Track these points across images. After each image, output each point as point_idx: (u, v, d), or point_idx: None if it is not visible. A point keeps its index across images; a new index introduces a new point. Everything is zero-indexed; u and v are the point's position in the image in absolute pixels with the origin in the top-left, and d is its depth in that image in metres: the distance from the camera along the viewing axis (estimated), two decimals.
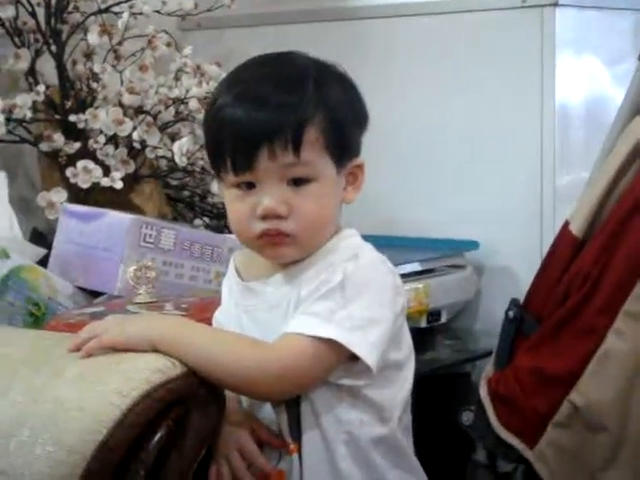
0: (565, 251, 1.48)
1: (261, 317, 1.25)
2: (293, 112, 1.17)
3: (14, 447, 1.10)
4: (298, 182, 1.19)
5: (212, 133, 1.22)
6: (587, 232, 1.45)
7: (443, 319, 2.09)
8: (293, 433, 1.21)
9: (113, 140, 2.03)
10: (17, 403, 1.14)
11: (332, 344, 1.15)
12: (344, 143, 1.22)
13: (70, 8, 2.09)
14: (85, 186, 1.97)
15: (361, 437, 1.21)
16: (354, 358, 1.17)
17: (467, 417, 1.54)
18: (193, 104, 2.06)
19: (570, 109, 2.14)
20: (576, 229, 1.47)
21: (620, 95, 1.60)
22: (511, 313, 1.52)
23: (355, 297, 1.16)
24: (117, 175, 1.99)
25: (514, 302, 1.53)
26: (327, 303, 1.16)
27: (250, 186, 1.20)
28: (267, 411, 1.24)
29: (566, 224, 1.50)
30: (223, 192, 1.25)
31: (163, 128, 2.10)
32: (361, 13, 2.31)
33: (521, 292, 1.69)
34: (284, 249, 1.21)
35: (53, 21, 2.09)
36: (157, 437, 1.14)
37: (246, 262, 1.30)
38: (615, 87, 2.11)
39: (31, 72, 2.08)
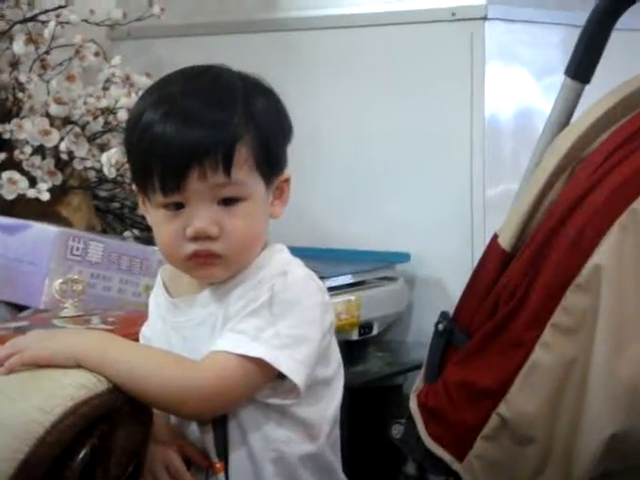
0: (493, 264, 1.48)
1: (188, 334, 1.23)
2: (224, 131, 1.16)
3: None
4: (228, 202, 1.17)
5: (139, 151, 1.19)
6: (515, 245, 1.46)
7: (375, 331, 2.09)
8: (220, 452, 1.20)
9: (40, 151, 2.00)
10: None
11: (259, 362, 1.14)
12: (273, 159, 1.21)
13: None
14: (10, 197, 1.94)
15: (289, 455, 1.20)
16: (282, 376, 1.16)
17: (397, 430, 1.53)
18: (122, 115, 2.04)
19: (499, 121, 2.16)
20: (504, 242, 1.47)
21: (548, 108, 1.62)
22: (440, 326, 1.52)
23: (283, 315, 1.16)
24: (44, 186, 1.96)
25: (443, 315, 1.53)
26: (255, 321, 1.15)
27: (179, 206, 1.18)
28: (194, 429, 1.22)
29: (495, 237, 1.50)
30: (147, 211, 1.23)
31: (91, 139, 2.08)
32: (289, 25, 2.31)
33: (452, 304, 1.69)
34: (214, 270, 1.19)
35: None
36: (82, 455, 1.12)
37: (174, 277, 1.29)
38: (544, 100, 2.13)
39: None
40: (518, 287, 1.40)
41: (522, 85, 2.19)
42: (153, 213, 1.21)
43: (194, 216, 1.17)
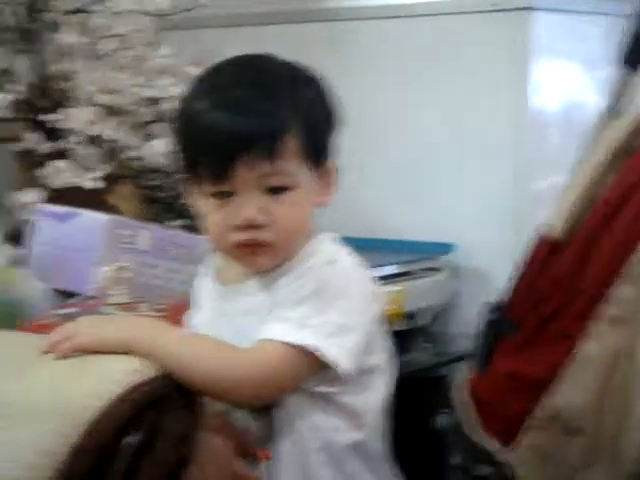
0: (542, 254, 1.47)
1: (236, 321, 1.24)
2: (272, 121, 1.16)
3: None
4: (276, 191, 1.18)
5: (188, 141, 1.20)
6: (564, 236, 1.45)
7: (419, 322, 2.09)
8: (266, 439, 1.21)
9: (89, 140, 2.02)
10: None
11: (306, 351, 1.15)
12: (320, 148, 1.22)
13: (46, 7, 2.07)
14: (59, 186, 1.96)
15: (336, 443, 1.20)
16: (328, 364, 1.16)
17: (444, 420, 1.53)
18: (169, 104, 2.05)
19: (544, 113, 2.14)
20: (554, 232, 1.46)
21: (593, 100, 1.61)
22: (489, 316, 1.51)
23: (331, 303, 1.16)
24: (92, 175, 1.97)
25: (492, 305, 1.53)
26: (302, 309, 1.16)
27: (227, 195, 1.18)
28: (241, 417, 1.23)
29: (543, 228, 1.49)
30: (195, 199, 1.24)
31: (139, 128, 2.08)
32: (339, 15, 2.31)
33: (497, 295, 1.69)
34: (262, 258, 1.20)
35: (30, 20, 2.07)
36: (131, 440, 1.13)
37: (222, 266, 1.30)
38: (588, 91, 2.12)
39: (6, 71, 2.06)
40: (567, 278, 1.39)
41: (566, 76, 2.17)
42: (202, 202, 1.22)
43: (242, 205, 1.17)
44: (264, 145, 1.15)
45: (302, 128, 1.18)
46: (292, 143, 1.17)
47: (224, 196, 1.19)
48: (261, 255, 1.20)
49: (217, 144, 1.16)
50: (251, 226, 1.17)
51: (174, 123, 1.27)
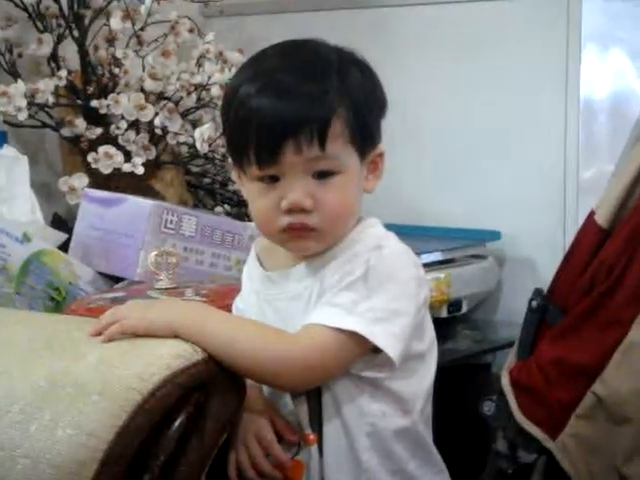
0: (590, 241, 1.46)
1: (282, 306, 1.24)
2: (319, 105, 1.15)
3: (35, 430, 1.09)
4: (323, 175, 1.18)
5: (235, 125, 1.20)
6: (613, 222, 1.44)
7: (464, 309, 2.09)
8: (313, 424, 1.21)
9: (135, 126, 2.03)
10: (38, 387, 1.13)
11: (354, 336, 1.14)
12: (367, 133, 1.21)
13: None
14: (106, 171, 1.97)
15: (383, 429, 1.20)
16: (376, 350, 1.16)
17: (488, 407, 1.53)
18: (215, 91, 2.05)
19: (595, 102, 2.12)
20: (602, 219, 1.45)
21: None
22: (535, 303, 1.51)
23: (378, 289, 1.15)
24: (138, 161, 1.99)
25: (538, 292, 1.52)
26: (350, 294, 1.15)
27: (274, 179, 1.18)
28: (287, 401, 1.23)
29: (591, 214, 1.48)
30: (243, 183, 1.24)
31: (185, 114, 2.09)
32: (384, 1, 2.30)
33: (542, 283, 1.68)
34: (308, 243, 1.20)
35: (76, 6, 2.09)
36: (177, 422, 1.14)
37: (268, 250, 1.30)
38: (639, 80, 2.09)
39: (53, 57, 2.08)
40: (615, 265, 1.38)
41: (617, 64, 2.14)
42: (249, 186, 1.22)
43: (289, 189, 1.17)
44: (311, 129, 1.15)
45: (350, 112, 1.17)
46: (339, 127, 1.17)
47: (271, 180, 1.18)
48: (307, 239, 1.19)
49: (264, 128, 1.16)
50: (297, 210, 1.17)
51: (221, 109, 1.27)
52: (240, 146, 1.19)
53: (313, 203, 1.17)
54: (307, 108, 1.15)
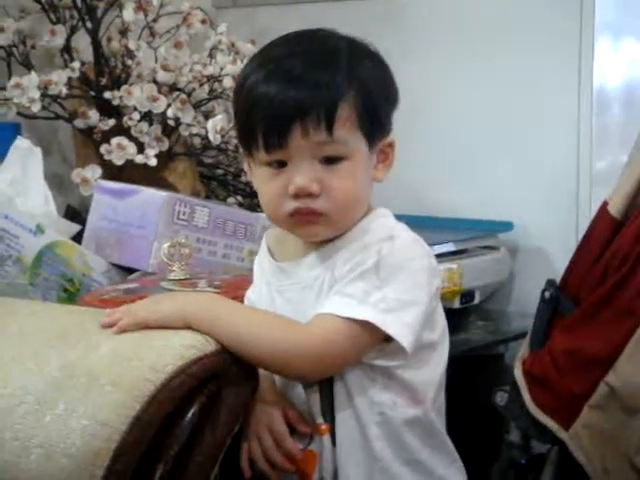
0: (603, 231, 1.46)
1: (294, 297, 1.24)
2: (326, 89, 1.16)
3: (49, 420, 1.10)
4: (330, 160, 1.18)
5: (244, 111, 1.20)
6: (626, 213, 1.44)
7: (476, 300, 2.08)
8: (325, 414, 1.21)
9: (147, 117, 2.03)
10: (53, 377, 1.14)
11: (367, 325, 1.15)
12: (376, 120, 1.21)
13: None
14: (119, 163, 1.97)
15: (394, 418, 1.20)
16: (388, 339, 1.16)
17: (501, 398, 1.53)
18: (227, 82, 2.05)
19: (608, 93, 2.11)
20: (615, 209, 1.45)
21: None
22: (547, 293, 1.51)
23: (390, 278, 1.15)
24: (151, 152, 1.99)
25: (550, 282, 1.52)
26: (362, 284, 1.15)
27: (282, 165, 1.18)
28: (300, 391, 1.24)
29: (604, 204, 1.48)
30: (252, 171, 1.24)
31: (197, 106, 2.10)
32: None
33: (555, 273, 1.68)
34: (316, 228, 1.20)
35: None
36: (190, 413, 1.14)
37: (279, 241, 1.30)
38: None
39: (66, 49, 2.09)
40: (629, 255, 1.38)
41: (632, 55, 2.13)
42: (257, 172, 1.22)
43: (296, 173, 1.17)
44: (318, 112, 1.15)
45: (359, 99, 1.17)
46: (348, 112, 1.17)
47: (279, 166, 1.19)
48: (315, 225, 1.19)
49: (271, 112, 1.16)
50: (305, 195, 1.17)
51: (233, 97, 1.27)
52: (248, 131, 1.19)
53: (320, 188, 1.17)
54: (314, 92, 1.15)
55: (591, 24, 2.06)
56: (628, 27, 2.13)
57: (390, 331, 1.15)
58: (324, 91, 1.15)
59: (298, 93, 1.15)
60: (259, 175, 1.22)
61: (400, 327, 1.15)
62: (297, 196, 1.18)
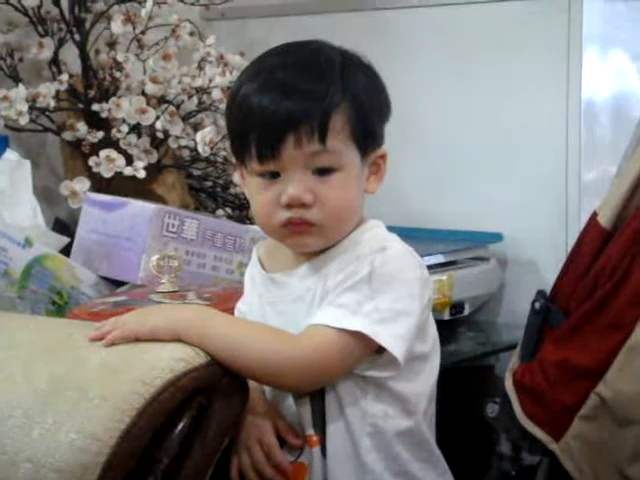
0: (593, 243, 1.46)
1: (285, 309, 1.24)
2: (320, 100, 1.16)
3: (38, 435, 1.09)
4: (323, 171, 1.18)
5: (237, 122, 1.21)
6: (615, 224, 1.44)
7: (466, 311, 2.08)
8: (316, 425, 1.21)
9: (136, 129, 2.03)
10: (41, 391, 1.14)
11: (359, 336, 1.14)
12: (369, 132, 1.21)
13: None
14: (108, 175, 1.97)
15: (386, 429, 1.20)
16: (381, 350, 1.16)
17: (492, 409, 1.53)
18: (216, 94, 2.05)
19: (596, 103, 2.12)
20: (604, 220, 1.45)
21: None
22: (537, 305, 1.51)
23: (382, 289, 1.15)
24: (140, 164, 1.98)
25: (541, 293, 1.52)
26: (354, 295, 1.15)
27: (275, 175, 1.18)
28: (291, 403, 1.23)
29: (594, 215, 1.48)
30: (245, 181, 1.24)
31: (186, 118, 2.10)
32: (383, 3, 2.30)
33: (544, 285, 1.68)
34: (308, 238, 1.20)
35: (77, 10, 2.09)
36: (180, 426, 1.14)
37: (270, 253, 1.30)
38: None
39: (54, 61, 2.09)
40: (618, 266, 1.38)
41: (618, 65, 2.14)
42: (250, 183, 1.22)
43: (289, 184, 1.17)
44: (311, 123, 1.15)
45: (351, 110, 1.18)
46: (341, 123, 1.17)
47: (272, 177, 1.19)
48: (307, 235, 1.19)
49: (264, 122, 1.16)
50: (297, 205, 1.17)
51: (225, 109, 1.27)
52: (241, 141, 1.19)
53: (313, 198, 1.17)
54: (307, 103, 1.16)
55: (579, 35, 2.06)
56: (616, 38, 2.13)
57: (382, 342, 1.14)
58: (317, 102, 1.16)
59: (291, 104, 1.15)
60: (252, 185, 1.22)
61: (392, 338, 1.15)
62: (290, 206, 1.18)
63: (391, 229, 1.26)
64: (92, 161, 1.96)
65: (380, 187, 1.26)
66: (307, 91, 1.16)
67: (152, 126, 2.01)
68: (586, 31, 2.06)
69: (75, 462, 1.07)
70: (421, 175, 2.25)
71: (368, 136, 1.21)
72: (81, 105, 2.06)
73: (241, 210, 2.22)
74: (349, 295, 1.15)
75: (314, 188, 1.17)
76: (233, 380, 1.17)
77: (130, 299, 1.52)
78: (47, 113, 2.03)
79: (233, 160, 1.28)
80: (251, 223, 1.98)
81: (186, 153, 2.16)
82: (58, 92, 2.00)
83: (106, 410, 1.09)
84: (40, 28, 2.09)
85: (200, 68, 2.09)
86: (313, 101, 1.16)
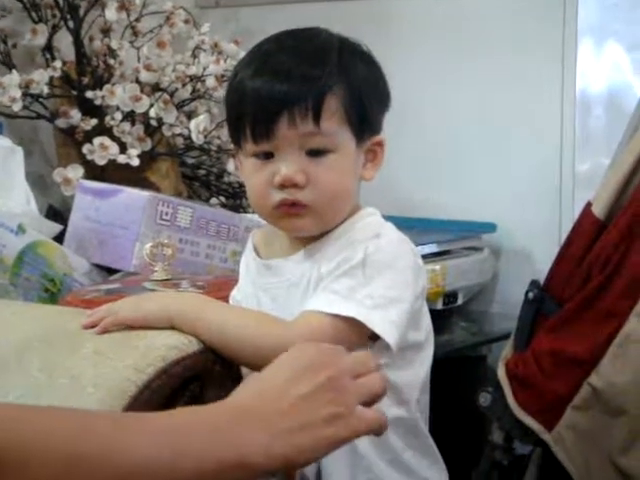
0: (587, 233, 1.46)
1: (279, 295, 1.24)
2: (314, 82, 1.16)
3: None
4: (317, 153, 1.18)
5: (233, 104, 1.21)
6: (609, 214, 1.44)
7: (459, 301, 2.08)
8: None
9: (130, 117, 2.02)
10: (33, 378, 1.13)
11: (352, 322, 1.14)
12: (365, 117, 1.21)
13: None
14: (101, 163, 1.96)
15: None
16: (374, 337, 1.16)
17: (484, 398, 1.53)
18: (210, 82, 2.05)
19: (591, 96, 2.12)
20: (598, 211, 1.45)
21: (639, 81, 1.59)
22: (531, 294, 1.51)
23: (376, 276, 1.15)
24: (133, 152, 1.98)
25: (534, 283, 1.52)
26: (348, 281, 1.15)
27: (268, 156, 1.19)
28: None
29: (588, 206, 1.48)
30: (241, 165, 1.24)
31: (180, 106, 2.09)
32: None
33: (538, 274, 1.68)
34: (301, 220, 1.20)
35: None
36: None
37: (265, 240, 1.30)
38: (635, 73, 2.09)
39: (48, 48, 2.08)
40: (612, 256, 1.38)
41: (613, 57, 2.14)
42: (245, 166, 1.22)
43: (282, 164, 1.17)
44: (305, 103, 1.15)
45: (347, 93, 1.18)
46: (335, 105, 1.17)
47: (266, 157, 1.19)
48: (301, 217, 1.19)
49: (259, 103, 1.16)
50: (290, 185, 1.17)
51: (225, 93, 1.27)
52: (236, 123, 1.20)
53: (306, 179, 1.17)
54: (303, 84, 1.16)
55: (574, 28, 2.06)
56: (610, 30, 2.13)
57: (375, 328, 1.14)
58: (312, 83, 1.16)
59: (286, 85, 1.16)
60: (247, 167, 1.22)
61: (386, 324, 1.15)
62: (283, 186, 1.18)
63: (385, 218, 1.26)
64: (86, 149, 1.96)
65: (376, 174, 1.26)
66: (303, 73, 1.16)
67: (146, 114, 2.01)
68: (581, 23, 2.06)
69: None
70: (415, 165, 2.25)
71: (364, 121, 1.20)
72: (75, 92, 2.05)
73: (235, 199, 2.22)
74: (343, 281, 1.15)
75: (307, 169, 1.17)
76: (226, 368, 1.17)
77: (123, 287, 1.51)
78: (40, 100, 2.03)
79: (229, 148, 1.28)
80: (245, 212, 1.98)
81: (180, 141, 2.16)
82: (52, 79, 2.00)
83: (99, 398, 1.08)
84: (34, 14, 2.08)
85: (194, 56, 2.08)
86: (308, 83, 1.16)
